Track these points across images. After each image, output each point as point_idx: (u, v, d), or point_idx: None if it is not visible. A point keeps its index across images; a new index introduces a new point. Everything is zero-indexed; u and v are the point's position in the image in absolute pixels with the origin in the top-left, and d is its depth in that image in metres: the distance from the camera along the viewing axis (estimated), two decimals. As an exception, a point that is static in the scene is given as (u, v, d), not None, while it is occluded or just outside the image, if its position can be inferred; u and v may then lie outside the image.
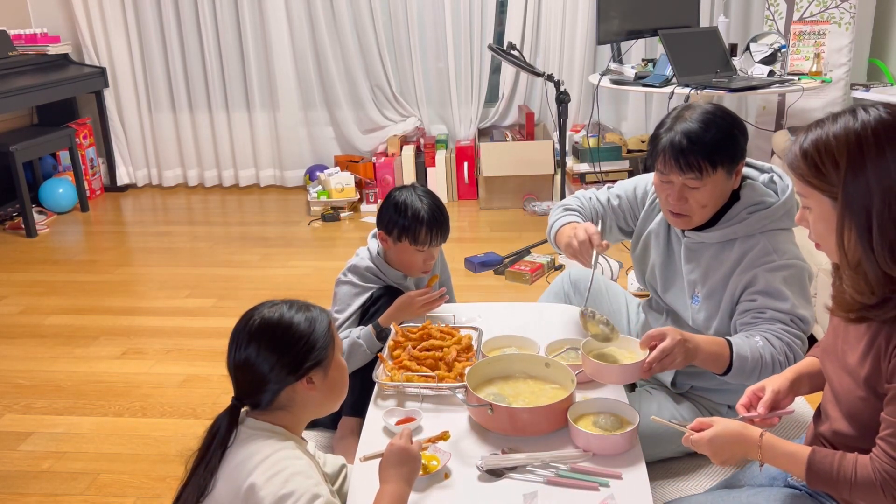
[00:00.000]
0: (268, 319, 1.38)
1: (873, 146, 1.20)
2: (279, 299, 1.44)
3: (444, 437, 1.52)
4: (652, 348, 1.61)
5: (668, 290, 2.02)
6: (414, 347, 1.88)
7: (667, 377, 2.04)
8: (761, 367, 1.71)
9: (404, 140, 5.13)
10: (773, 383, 1.49)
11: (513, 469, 1.49)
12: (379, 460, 1.40)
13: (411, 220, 2.12)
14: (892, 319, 1.23)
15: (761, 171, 1.94)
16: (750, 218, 1.83)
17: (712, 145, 1.73)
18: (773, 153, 3.99)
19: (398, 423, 1.66)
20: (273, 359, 1.35)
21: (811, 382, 1.52)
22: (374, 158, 5.04)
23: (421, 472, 1.47)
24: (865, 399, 1.29)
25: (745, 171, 1.88)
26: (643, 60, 4.31)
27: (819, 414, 1.46)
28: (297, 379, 1.37)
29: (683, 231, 1.92)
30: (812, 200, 1.28)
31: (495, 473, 1.48)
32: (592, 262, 1.89)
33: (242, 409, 1.40)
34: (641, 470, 1.49)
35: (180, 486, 1.36)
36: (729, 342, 1.72)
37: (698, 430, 1.41)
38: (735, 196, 1.85)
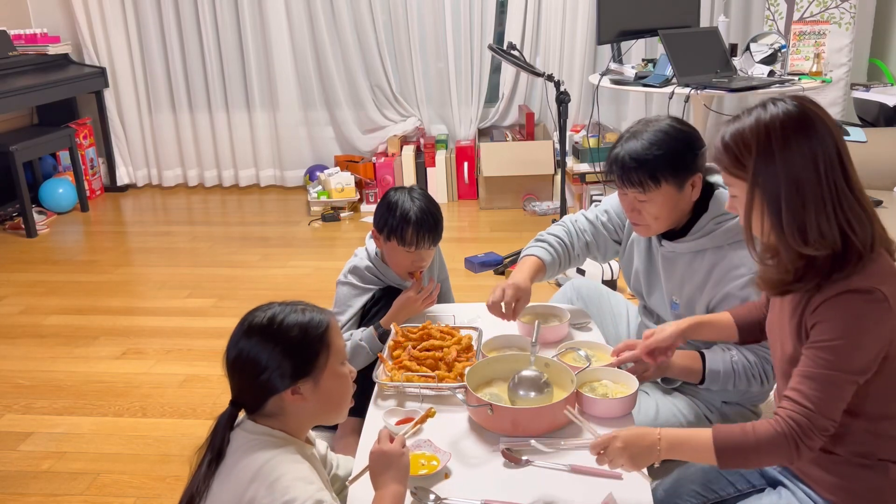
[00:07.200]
0: (258, 321, 1.33)
1: (780, 137, 1.30)
2: (279, 301, 1.38)
3: (430, 414, 1.50)
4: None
5: (651, 294, 2.06)
6: (414, 347, 1.88)
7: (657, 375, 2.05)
8: (735, 380, 1.79)
9: (404, 140, 5.13)
10: (660, 333, 1.67)
11: (528, 462, 1.49)
12: (367, 475, 1.36)
13: (399, 220, 2.12)
14: (813, 288, 1.32)
15: None
16: (717, 230, 1.85)
17: (653, 162, 1.78)
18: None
19: (398, 423, 1.65)
20: (257, 364, 1.30)
21: (714, 331, 1.71)
22: (374, 158, 5.04)
23: (423, 473, 1.47)
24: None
25: (716, 179, 1.90)
26: (643, 60, 4.31)
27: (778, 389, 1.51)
28: (283, 389, 1.31)
29: (661, 241, 1.95)
30: (736, 189, 1.39)
31: (514, 460, 1.48)
32: (534, 333, 1.83)
33: (241, 414, 1.37)
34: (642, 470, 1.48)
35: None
36: (702, 355, 1.80)
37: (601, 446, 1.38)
38: (705, 206, 1.87)
